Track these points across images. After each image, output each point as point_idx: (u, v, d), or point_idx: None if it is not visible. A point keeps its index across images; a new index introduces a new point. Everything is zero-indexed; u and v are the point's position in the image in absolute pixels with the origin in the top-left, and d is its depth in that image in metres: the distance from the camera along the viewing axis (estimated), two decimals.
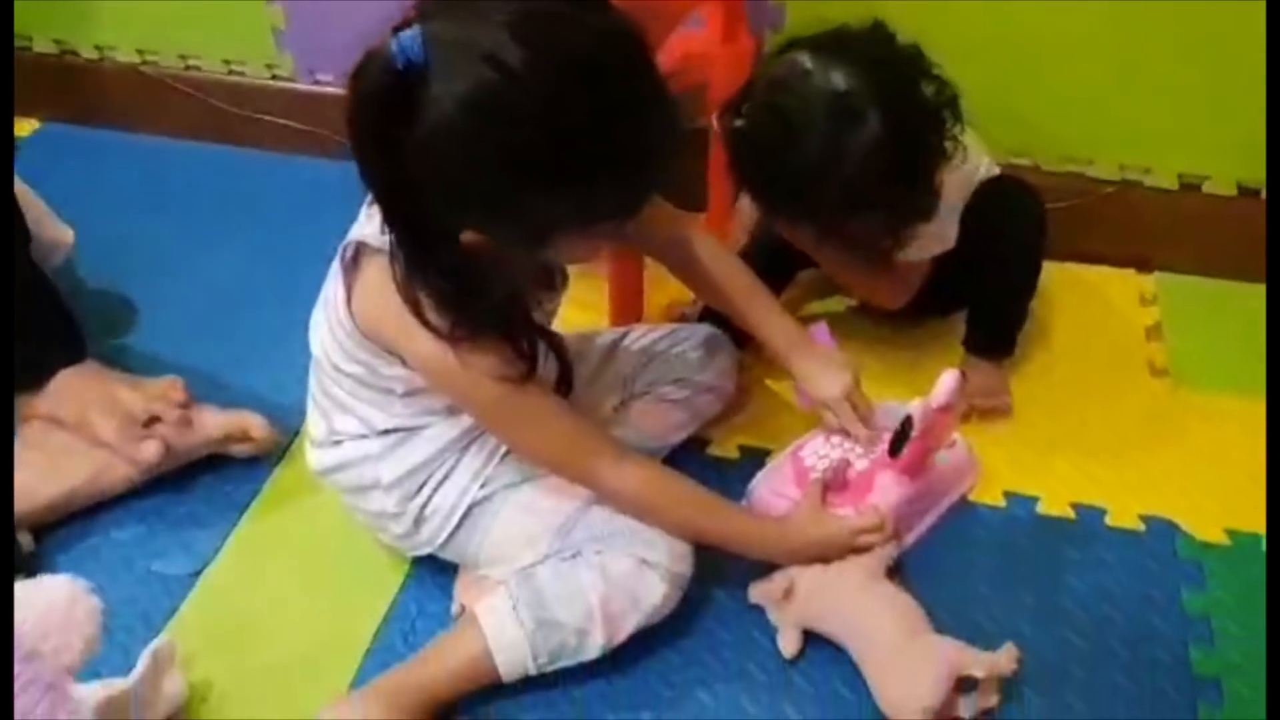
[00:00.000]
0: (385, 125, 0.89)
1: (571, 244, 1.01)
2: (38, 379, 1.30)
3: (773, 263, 1.40)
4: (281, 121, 1.83)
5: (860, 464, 1.25)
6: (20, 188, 1.35)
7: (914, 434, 1.17)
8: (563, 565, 1.11)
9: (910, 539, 1.25)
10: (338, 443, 1.17)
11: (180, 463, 1.32)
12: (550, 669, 1.10)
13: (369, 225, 1.03)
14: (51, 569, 1.21)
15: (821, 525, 1.18)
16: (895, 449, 1.20)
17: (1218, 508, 1.30)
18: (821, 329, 1.30)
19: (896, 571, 1.19)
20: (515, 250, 1.00)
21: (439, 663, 1.10)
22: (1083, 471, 1.35)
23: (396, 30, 0.88)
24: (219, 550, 1.27)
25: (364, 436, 1.15)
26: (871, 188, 1.19)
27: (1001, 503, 1.32)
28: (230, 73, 1.86)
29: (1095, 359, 1.51)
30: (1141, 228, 1.63)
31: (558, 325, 1.18)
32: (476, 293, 0.99)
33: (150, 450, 1.26)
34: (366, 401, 1.13)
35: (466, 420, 1.14)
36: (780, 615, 1.16)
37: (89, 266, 1.54)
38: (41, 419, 1.29)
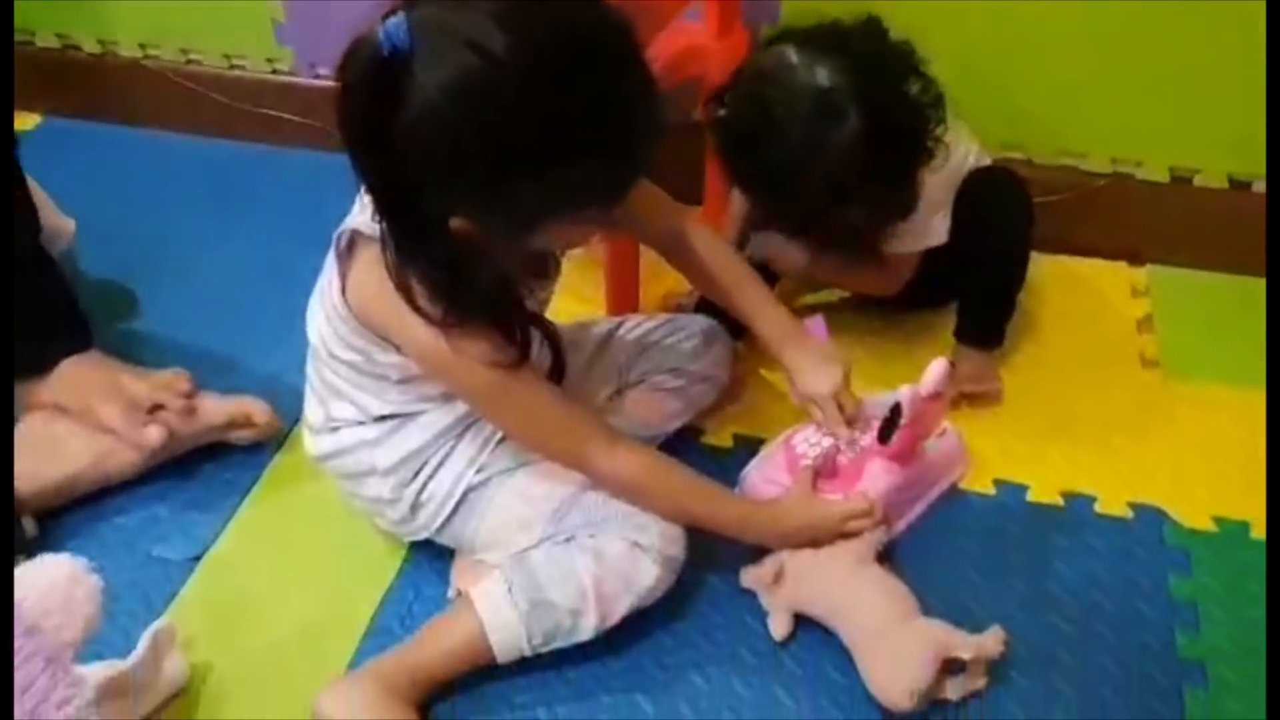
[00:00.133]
0: (372, 112, 0.90)
1: (559, 230, 1.03)
2: (42, 366, 1.31)
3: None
4: (281, 115, 1.85)
5: (851, 451, 1.27)
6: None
7: (903, 421, 1.19)
8: (556, 549, 1.13)
9: (900, 526, 1.27)
10: (335, 429, 1.19)
11: (183, 450, 1.33)
12: (545, 650, 1.11)
13: (363, 214, 1.05)
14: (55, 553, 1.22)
15: (811, 510, 1.19)
16: (885, 436, 1.22)
17: (1206, 496, 1.32)
18: (817, 322, 1.31)
19: (886, 558, 1.21)
20: (503, 237, 1.01)
21: (435, 644, 1.11)
22: (1072, 460, 1.36)
23: (385, 18, 0.89)
24: (219, 535, 1.28)
25: (360, 423, 1.17)
26: (850, 184, 1.21)
27: (991, 490, 1.33)
28: (231, 67, 1.88)
29: (1087, 350, 1.53)
30: (1133, 221, 1.64)
31: (554, 315, 1.20)
32: (467, 280, 1.01)
33: (154, 434, 1.28)
34: (363, 388, 1.15)
35: (461, 407, 1.15)
36: (771, 599, 1.18)
37: (90, 259, 1.55)
38: (45, 408, 1.31)
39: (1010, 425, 1.41)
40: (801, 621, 1.17)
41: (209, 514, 1.30)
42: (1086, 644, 1.17)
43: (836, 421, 1.25)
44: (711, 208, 1.60)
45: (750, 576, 1.20)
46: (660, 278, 1.48)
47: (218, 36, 1.85)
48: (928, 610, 1.14)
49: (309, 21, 1.78)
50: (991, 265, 1.41)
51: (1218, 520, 1.29)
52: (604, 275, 1.47)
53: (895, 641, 1.09)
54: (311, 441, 1.22)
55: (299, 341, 1.19)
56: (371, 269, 1.04)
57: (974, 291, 1.44)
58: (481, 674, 1.12)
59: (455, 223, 0.97)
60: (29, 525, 1.23)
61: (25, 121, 1.92)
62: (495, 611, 1.10)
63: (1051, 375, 1.48)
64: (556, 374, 1.14)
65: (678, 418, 1.35)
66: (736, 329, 1.38)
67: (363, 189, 1.03)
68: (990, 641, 1.09)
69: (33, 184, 1.38)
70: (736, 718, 1.11)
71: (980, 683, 1.11)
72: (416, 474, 1.17)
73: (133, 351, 1.44)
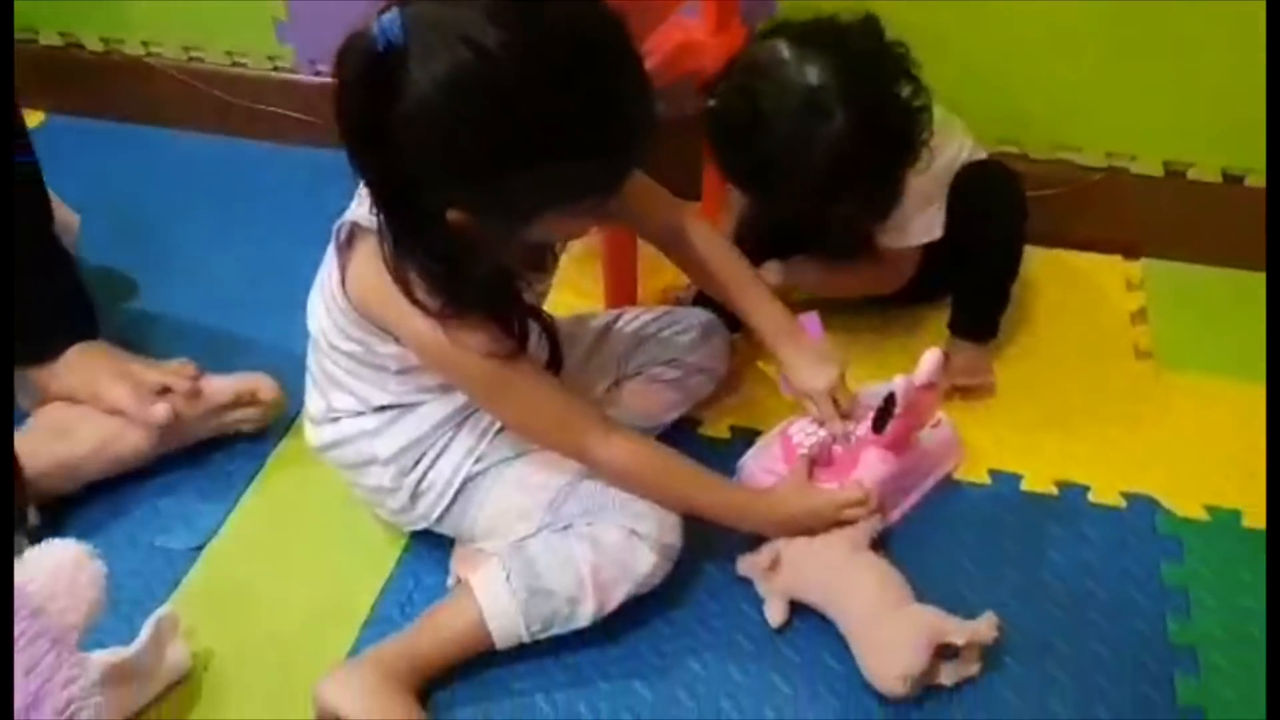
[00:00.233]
0: (368, 107, 0.92)
1: (556, 222, 1.03)
2: (51, 352, 1.32)
3: (761, 247, 1.42)
4: (282, 112, 1.86)
5: (846, 444, 1.28)
6: None
7: (897, 411, 1.20)
8: (554, 537, 1.14)
9: (895, 515, 1.28)
10: (335, 419, 1.20)
11: (192, 439, 1.35)
12: (543, 636, 1.13)
13: (361, 207, 1.06)
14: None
15: (807, 498, 1.20)
16: (879, 425, 1.23)
17: (1198, 485, 1.33)
18: (812, 319, 1.32)
19: (881, 546, 1.22)
20: (500, 229, 1.02)
21: (434, 631, 1.13)
22: (1066, 450, 1.37)
23: (381, 14, 0.91)
24: (221, 525, 1.30)
25: (361, 413, 1.18)
26: (833, 182, 1.23)
27: (986, 480, 1.34)
28: (233, 64, 1.89)
29: (1081, 342, 1.54)
30: (1128, 214, 1.65)
31: (553, 309, 1.21)
32: (465, 272, 1.02)
33: (161, 410, 1.28)
34: (362, 379, 1.16)
35: (460, 398, 1.17)
36: (767, 586, 1.19)
37: (93, 255, 1.56)
38: (55, 399, 1.32)
39: (1005, 416, 1.42)
40: (797, 609, 1.18)
41: (211, 505, 1.32)
42: (1080, 631, 1.18)
43: (831, 416, 1.27)
44: (710, 203, 1.62)
45: (746, 564, 1.21)
46: (659, 272, 1.49)
47: (220, 34, 1.87)
48: (923, 598, 1.15)
49: (310, 20, 1.79)
50: (985, 258, 1.42)
51: (1210, 509, 1.30)
52: (602, 269, 1.48)
53: (889, 627, 1.11)
54: (312, 432, 1.24)
55: (299, 337, 1.21)
56: (370, 261, 1.05)
57: (968, 284, 1.45)
58: (481, 660, 1.14)
59: (452, 215, 0.98)
60: (31, 515, 1.24)
61: (30, 119, 1.87)
62: (494, 599, 1.11)
63: (1046, 367, 1.50)
64: (554, 365, 1.15)
65: (675, 409, 1.36)
66: (734, 322, 1.39)
67: (361, 183, 1.04)
68: (983, 627, 1.11)
69: None
70: (733, 704, 1.13)
71: (974, 668, 1.12)
72: (416, 463, 1.18)
73: (135, 346, 1.44)
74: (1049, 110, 1.61)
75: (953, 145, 1.38)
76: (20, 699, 0.83)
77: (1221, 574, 1.24)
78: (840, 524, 1.19)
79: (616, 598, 1.13)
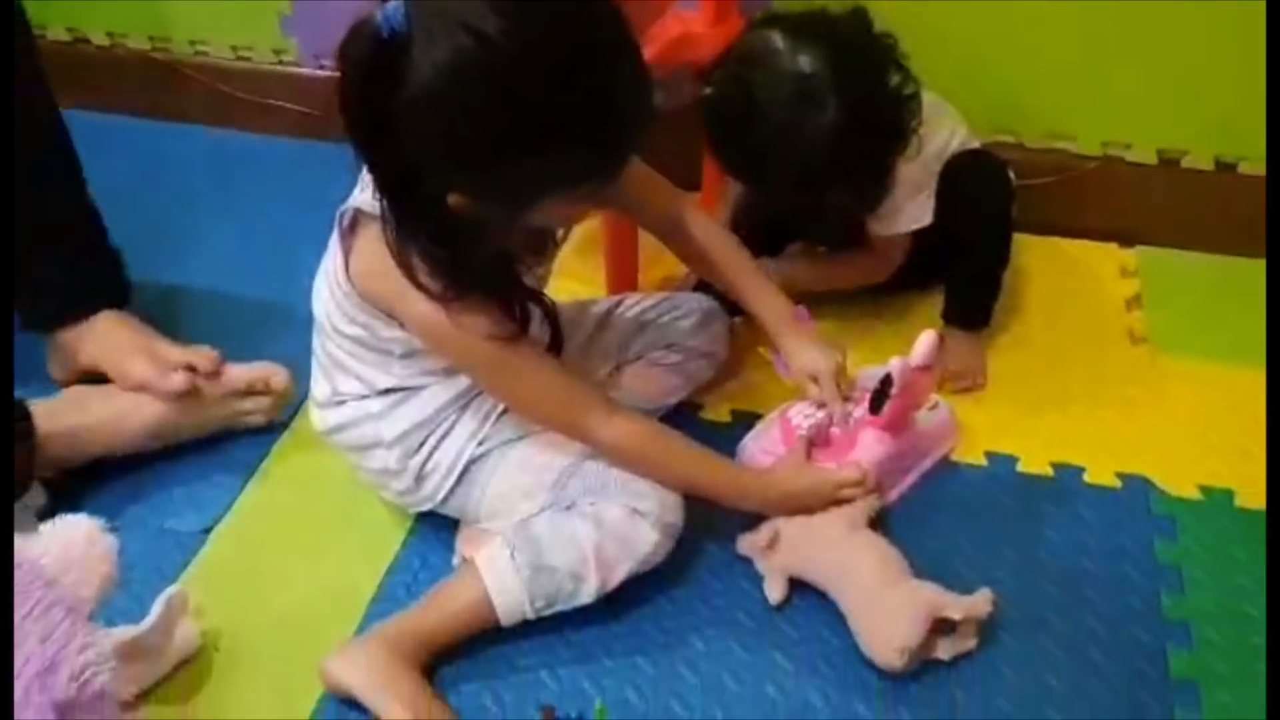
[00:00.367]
0: (371, 93, 0.93)
1: (555, 207, 1.05)
2: (82, 313, 1.35)
3: (757, 235, 1.44)
4: (288, 105, 1.88)
5: (845, 426, 1.29)
6: None
7: (894, 392, 1.22)
8: (558, 516, 1.16)
9: (892, 495, 1.30)
10: (341, 403, 1.22)
11: (201, 425, 1.37)
12: (547, 613, 1.14)
13: (364, 192, 1.08)
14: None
15: (805, 477, 1.22)
16: (876, 407, 1.24)
17: (1191, 465, 1.34)
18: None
19: (879, 526, 1.23)
20: (500, 213, 1.03)
21: (439, 609, 1.15)
22: (1062, 432, 1.39)
23: (385, 2, 0.93)
24: (229, 508, 1.32)
25: (365, 396, 1.20)
26: (826, 170, 1.25)
27: (983, 462, 1.36)
28: (238, 58, 1.91)
29: (1077, 328, 1.55)
30: (1122, 202, 1.67)
31: (555, 296, 1.22)
32: (467, 256, 1.04)
33: (178, 379, 1.31)
34: (367, 362, 1.18)
35: (464, 382, 1.19)
36: (766, 564, 1.21)
37: None
38: (83, 369, 1.35)
39: (1001, 399, 1.44)
40: (797, 586, 1.20)
41: (219, 488, 1.34)
42: (1075, 607, 1.20)
43: (835, 398, 1.28)
44: (709, 194, 1.63)
45: (746, 543, 1.23)
46: (659, 261, 1.51)
47: (226, 28, 1.89)
48: (920, 576, 1.16)
49: (314, 13, 1.81)
50: (975, 247, 1.44)
51: (1203, 489, 1.32)
52: (604, 258, 1.50)
53: (886, 603, 1.12)
54: (318, 416, 1.25)
55: (304, 328, 1.22)
56: (374, 246, 1.07)
57: (959, 273, 1.47)
58: (486, 638, 1.15)
59: (454, 200, 1.00)
60: (38, 494, 1.26)
61: None
62: (498, 576, 1.13)
63: (1042, 351, 1.51)
64: (555, 348, 1.17)
65: (676, 393, 1.38)
66: (734, 306, 1.40)
67: (364, 168, 1.06)
68: (979, 602, 1.12)
69: None
70: (734, 679, 1.14)
71: (971, 643, 1.14)
72: (421, 446, 1.20)
73: None
74: (1043, 99, 1.63)
75: (943, 132, 1.40)
76: (36, 665, 0.85)
77: (1214, 552, 1.25)
78: (838, 503, 1.21)
79: (619, 575, 1.15)
